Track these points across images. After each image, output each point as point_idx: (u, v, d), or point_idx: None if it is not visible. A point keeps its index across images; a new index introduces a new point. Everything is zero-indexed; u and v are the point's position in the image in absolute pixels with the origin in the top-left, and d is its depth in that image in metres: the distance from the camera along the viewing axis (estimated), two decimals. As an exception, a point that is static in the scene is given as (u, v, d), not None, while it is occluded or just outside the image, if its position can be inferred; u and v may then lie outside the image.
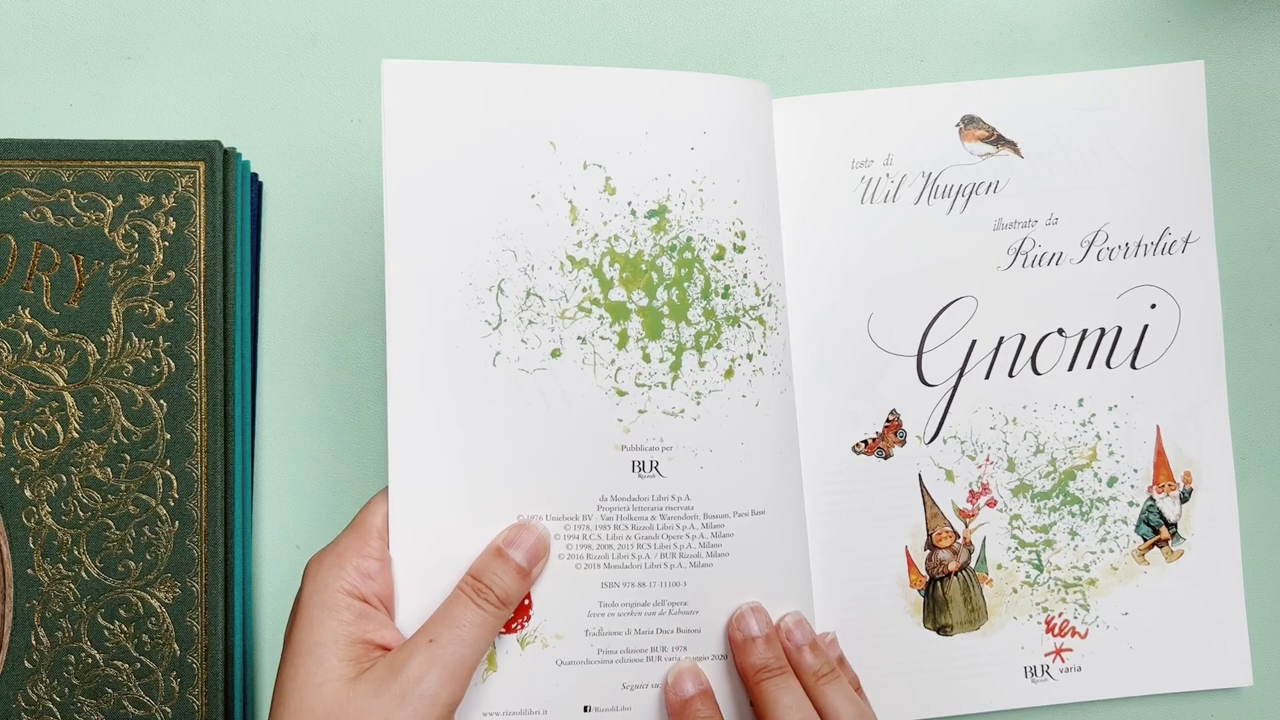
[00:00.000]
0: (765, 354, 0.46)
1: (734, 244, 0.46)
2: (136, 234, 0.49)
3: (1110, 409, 0.52)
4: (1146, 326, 0.52)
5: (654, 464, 0.45)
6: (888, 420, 0.51)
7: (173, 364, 0.49)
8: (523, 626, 0.44)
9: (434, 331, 0.44)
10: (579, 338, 0.45)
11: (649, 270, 0.45)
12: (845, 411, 0.51)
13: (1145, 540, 0.52)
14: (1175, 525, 0.52)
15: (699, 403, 0.45)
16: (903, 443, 0.51)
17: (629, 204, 0.45)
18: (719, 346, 0.46)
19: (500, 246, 0.44)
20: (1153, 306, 0.52)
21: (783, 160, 0.49)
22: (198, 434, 0.49)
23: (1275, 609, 0.54)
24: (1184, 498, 0.52)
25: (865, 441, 0.51)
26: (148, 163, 0.50)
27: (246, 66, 0.54)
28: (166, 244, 0.50)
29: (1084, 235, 0.52)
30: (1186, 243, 0.52)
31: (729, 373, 0.46)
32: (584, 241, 0.45)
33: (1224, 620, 0.52)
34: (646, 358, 0.45)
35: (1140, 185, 0.52)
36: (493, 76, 0.44)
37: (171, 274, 0.49)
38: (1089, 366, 0.52)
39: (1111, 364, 0.52)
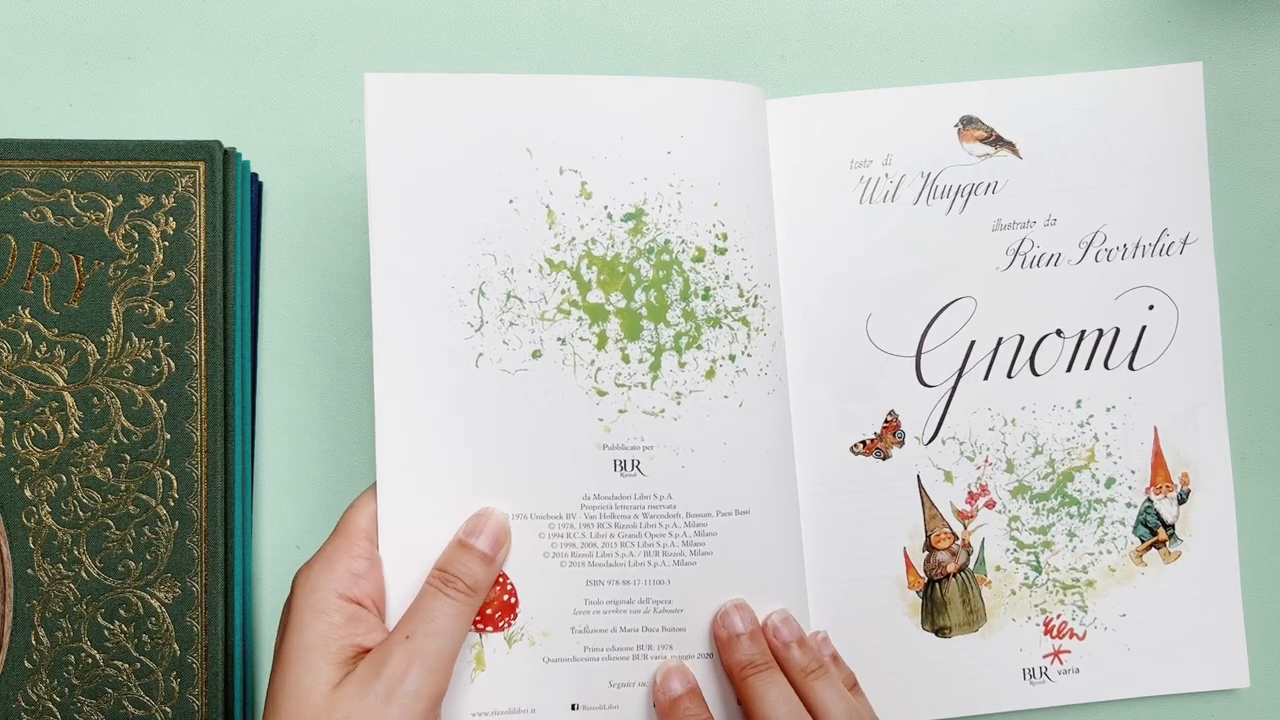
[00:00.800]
0: (750, 355, 0.47)
1: (715, 246, 0.46)
2: (136, 234, 0.49)
3: (1108, 410, 0.52)
4: (1144, 328, 0.52)
5: (635, 463, 0.45)
6: (886, 421, 0.51)
7: (173, 364, 0.49)
8: (509, 625, 0.45)
9: (418, 334, 0.45)
10: (559, 339, 0.45)
11: (626, 272, 0.46)
12: (843, 412, 0.51)
13: (1143, 542, 0.52)
14: (1173, 527, 0.52)
15: (679, 403, 0.46)
16: (901, 443, 0.51)
17: (605, 208, 0.46)
18: (699, 347, 0.46)
19: (480, 251, 0.45)
20: (1150, 308, 0.52)
21: (781, 160, 0.50)
22: (198, 434, 0.49)
23: (1272, 610, 0.54)
24: (1181, 499, 0.52)
25: (864, 442, 0.51)
26: (148, 163, 0.50)
27: (246, 66, 0.54)
28: (166, 244, 0.50)
29: (1082, 236, 0.52)
30: (1184, 244, 0.52)
31: (710, 373, 0.46)
32: (562, 245, 0.46)
33: (1221, 622, 0.52)
34: (626, 358, 0.46)
35: (1138, 186, 0.52)
36: (471, 87, 0.45)
37: (171, 274, 0.50)
38: (1087, 367, 0.52)
39: (1109, 365, 0.52)
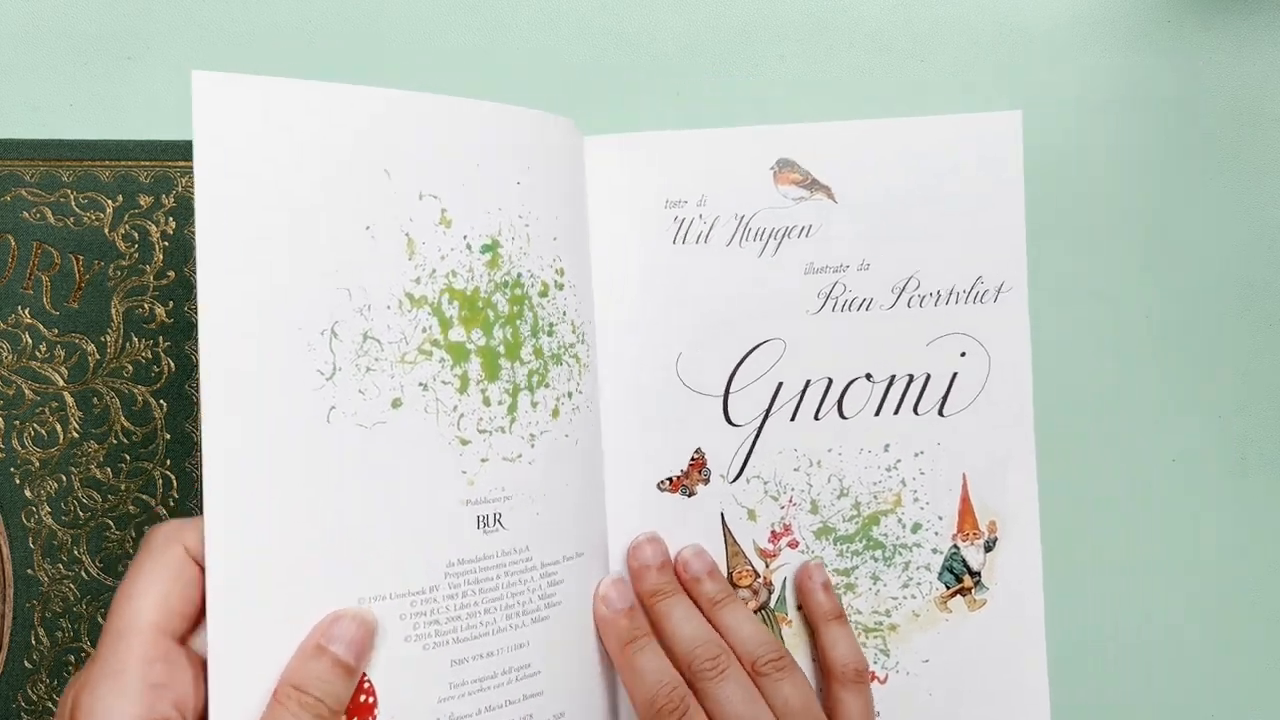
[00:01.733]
0: (581, 391, 0.46)
1: (555, 281, 0.46)
2: (136, 234, 0.49)
3: (916, 455, 0.51)
4: (955, 374, 0.51)
5: (497, 516, 0.43)
6: (692, 459, 0.51)
7: (173, 364, 0.49)
8: None
9: (258, 387, 0.38)
10: (420, 384, 0.41)
11: (485, 308, 0.43)
12: (651, 449, 0.51)
13: (948, 588, 0.52)
14: (979, 574, 0.52)
15: (533, 445, 0.44)
16: (707, 481, 0.51)
17: (464, 238, 0.43)
18: (547, 385, 0.45)
19: (333, 284, 0.39)
20: (962, 355, 0.51)
21: (597, 198, 0.49)
22: (198, 434, 0.49)
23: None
24: (988, 547, 0.52)
25: (670, 479, 0.51)
26: (148, 163, 0.50)
27: (246, 66, 0.54)
28: (166, 244, 0.50)
29: (895, 282, 0.51)
30: (999, 292, 0.51)
31: (555, 412, 0.45)
32: (422, 277, 0.41)
33: (1024, 671, 0.52)
34: (486, 401, 0.43)
35: (954, 234, 0.51)
36: (322, 96, 0.39)
37: (171, 274, 0.50)
38: (896, 412, 0.51)
39: (919, 410, 0.51)
